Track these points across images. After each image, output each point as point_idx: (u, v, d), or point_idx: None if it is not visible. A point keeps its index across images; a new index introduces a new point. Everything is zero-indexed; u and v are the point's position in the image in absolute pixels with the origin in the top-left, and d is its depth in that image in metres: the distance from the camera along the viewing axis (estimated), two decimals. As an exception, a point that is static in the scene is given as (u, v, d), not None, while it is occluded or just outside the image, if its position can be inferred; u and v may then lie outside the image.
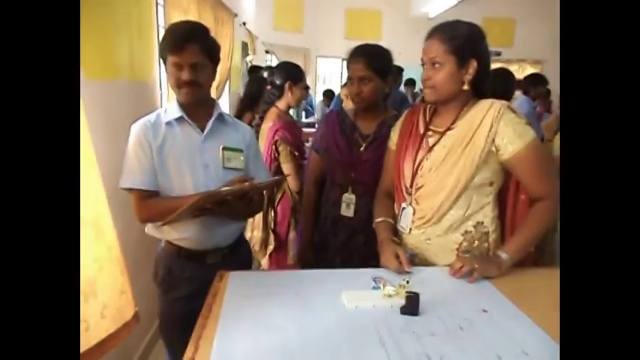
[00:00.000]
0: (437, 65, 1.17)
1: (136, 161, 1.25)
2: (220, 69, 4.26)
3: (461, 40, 1.16)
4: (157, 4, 2.31)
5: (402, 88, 5.62)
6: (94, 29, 1.56)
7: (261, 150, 2.20)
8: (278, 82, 2.18)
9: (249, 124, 2.86)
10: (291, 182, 2.12)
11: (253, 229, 2.22)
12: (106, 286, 1.28)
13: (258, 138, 2.27)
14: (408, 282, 1.05)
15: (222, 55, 4.32)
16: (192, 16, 2.82)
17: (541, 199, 1.19)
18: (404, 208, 1.29)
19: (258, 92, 2.96)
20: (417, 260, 1.27)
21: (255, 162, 1.45)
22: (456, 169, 1.19)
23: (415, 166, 1.27)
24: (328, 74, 10.26)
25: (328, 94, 7.01)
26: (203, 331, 0.91)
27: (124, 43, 1.81)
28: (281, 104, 2.20)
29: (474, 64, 1.17)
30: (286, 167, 2.10)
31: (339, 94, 5.05)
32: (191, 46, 1.23)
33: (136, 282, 1.94)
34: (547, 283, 1.23)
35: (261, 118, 2.26)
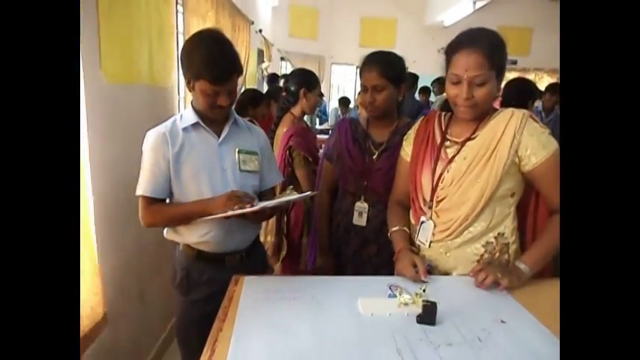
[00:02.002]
0: (479, 82, 1.11)
1: (147, 169, 1.27)
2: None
3: (498, 53, 1.12)
4: (176, 11, 2.35)
5: (416, 95, 5.62)
6: (115, 34, 1.60)
7: (275, 155, 2.22)
8: (292, 88, 2.19)
9: None
10: (305, 188, 2.12)
11: (267, 235, 2.23)
12: (82, 285, 1.32)
13: (272, 143, 2.29)
14: (424, 290, 1.04)
15: (239, 61, 4.35)
16: (211, 23, 2.86)
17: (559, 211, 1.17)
18: (423, 222, 1.26)
19: (251, 100, 3.12)
20: (437, 272, 1.25)
21: (268, 164, 1.48)
22: (480, 181, 1.17)
23: (435, 178, 1.24)
24: (342, 81, 10.30)
25: (344, 102, 7.01)
26: (219, 335, 0.92)
27: (145, 48, 1.84)
28: (296, 110, 2.21)
29: (504, 75, 1.15)
30: (300, 173, 2.10)
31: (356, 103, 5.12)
32: (233, 76, 1.25)
33: (151, 284, 1.97)
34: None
35: (276, 124, 2.28)
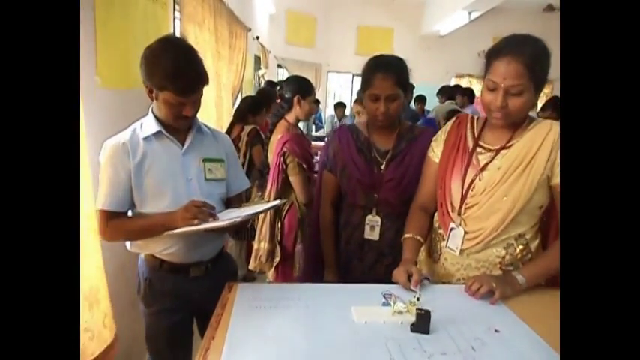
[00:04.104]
0: (516, 92, 1.09)
1: (107, 182, 1.22)
2: (233, 82, 4.34)
3: (541, 64, 1.09)
4: (173, 17, 2.36)
5: (412, 104, 5.65)
6: (112, 40, 1.59)
7: (270, 162, 2.22)
8: (287, 95, 2.18)
9: (238, 135, 2.98)
10: (299, 195, 2.11)
11: (260, 241, 2.22)
12: (107, 295, 1.30)
13: (267, 150, 2.29)
14: (418, 299, 1.04)
15: (236, 67, 4.38)
16: (208, 29, 2.87)
17: None
18: (452, 229, 1.25)
19: (251, 107, 3.14)
20: (462, 279, 1.25)
21: (234, 170, 1.44)
22: (512, 193, 1.15)
23: (466, 185, 1.22)
24: (338, 89, 10.34)
25: (340, 106, 7.02)
26: (211, 343, 0.90)
27: (141, 54, 1.84)
28: (290, 117, 2.21)
29: (544, 86, 1.13)
30: (294, 180, 2.09)
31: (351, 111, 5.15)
32: (200, 88, 1.22)
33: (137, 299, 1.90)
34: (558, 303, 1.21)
35: (271, 131, 2.28)
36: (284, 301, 1.09)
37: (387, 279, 1.42)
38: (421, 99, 6.11)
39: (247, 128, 2.98)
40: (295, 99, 2.16)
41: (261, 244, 2.20)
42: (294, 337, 0.93)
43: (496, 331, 0.99)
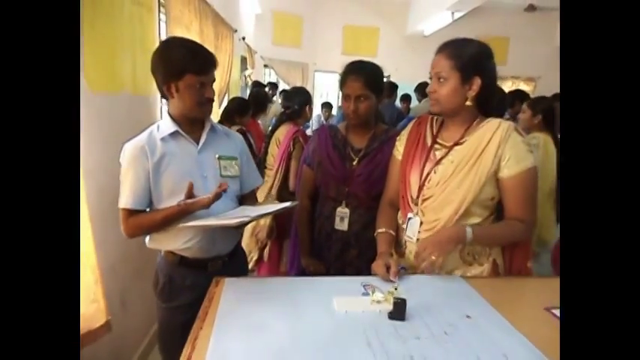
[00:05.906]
0: (442, 80, 1.23)
1: (128, 183, 1.29)
2: (219, 83, 4.34)
3: (466, 58, 1.21)
4: (159, 20, 2.39)
5: (397, 103, 5.72)
6: (99, 45, 1.63)
7: (276, 152, 2.42)
8: (298, 106, 2.49)
9: None
10: (292, 180, 2.26)
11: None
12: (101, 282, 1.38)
13: (269, 147, 2.52)
14: (396, 289, 1.10)
15: (222, 69, 4.39)
16: (194, 32, 2.90)
17: (516, 220, 1.25)
18: (410, 218, 1.33)
19: (239, 108, 3.28)
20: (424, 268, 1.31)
21: (247, 167, 1.51)
22: (464, 186, 1.24)
23: (422, 177, 1.31)
24: (325, 89, 10.39)
25: (327, 106, 7.10)
26: (200, 332, 0.96)
27: (128, 57, 1.87)
28: (300, 121, 2.53)
29: (477, 81, 1.21)
30: (293, 165, 2.25)
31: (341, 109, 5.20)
32: (215, 67, 1.31)
33: (133, 290, 1.98)
34: (528, 292, 1.28)
35: (273, 130, 2.54)
36: (268, 294, 1.15)
37: (351, 269, 1.55)
38: (406, 98, 6.18)
39: (234, 129, 3.04)
40: (307, 108, 2.52)
41: (261, 222, 2.31)
42: (278, 326, 0.99)
43: (468, 317, 1.05)
